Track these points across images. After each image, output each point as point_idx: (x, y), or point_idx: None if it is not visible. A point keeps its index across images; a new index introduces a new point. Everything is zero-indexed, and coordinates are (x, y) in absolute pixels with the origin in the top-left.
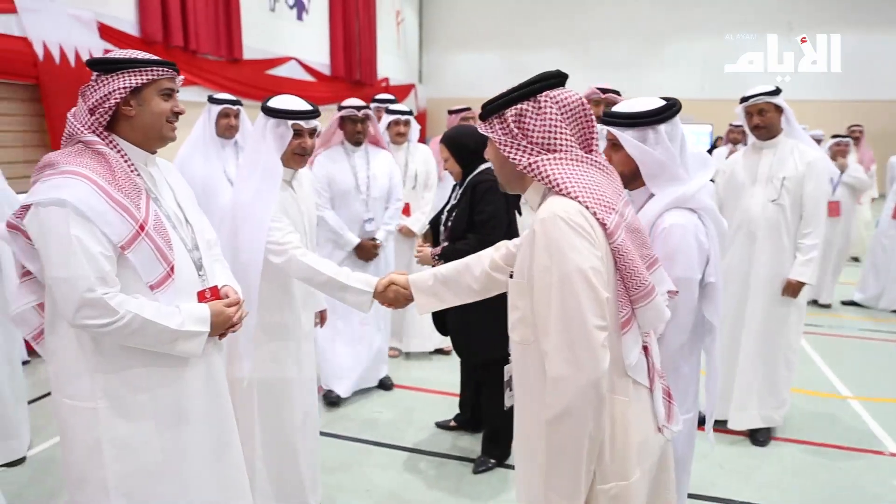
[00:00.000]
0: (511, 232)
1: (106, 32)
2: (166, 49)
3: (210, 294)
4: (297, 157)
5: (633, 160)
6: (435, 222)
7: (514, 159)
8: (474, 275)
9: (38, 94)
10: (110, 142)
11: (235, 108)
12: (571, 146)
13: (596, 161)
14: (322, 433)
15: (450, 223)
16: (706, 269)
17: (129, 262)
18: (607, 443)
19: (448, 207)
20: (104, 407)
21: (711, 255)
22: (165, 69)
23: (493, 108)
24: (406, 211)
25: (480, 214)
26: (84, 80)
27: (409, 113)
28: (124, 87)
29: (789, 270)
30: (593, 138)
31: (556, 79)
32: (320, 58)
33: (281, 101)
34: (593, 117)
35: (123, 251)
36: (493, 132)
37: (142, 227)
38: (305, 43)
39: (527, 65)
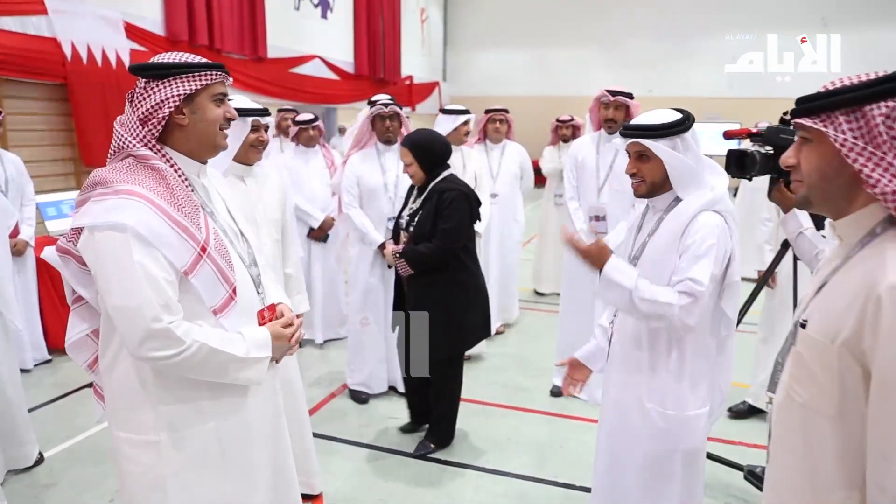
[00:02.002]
0: (469, 239)
1: (132, 32)
2: (191, 48)
3: (269, 313)
4: (253, 149)
5: (662, 169)
6: (395, 223)
7: (867, 176)
8: None
9: (65, 93)
10: (163, 155)
11: None
12: None
13: None
14: (336, 439)
15: (412, 228)
16: (730, 269)
17: (192, 286)
18: None
19: (409, 211)
20: (167, 440)
21: (734, 255)
22: (218, 72)
23: (845, 100)
24: None
25: (447, 223)
26: (110, 79)
27: (466, 112)
28: (177, 95)
29: None
30: None
31: None
32: (344, 56)
33: (238, 102)
34: None
35: (187, 276)
36: (835, 130)
37: (203, 249)
38: (329, 41)
39: (552, 63)
